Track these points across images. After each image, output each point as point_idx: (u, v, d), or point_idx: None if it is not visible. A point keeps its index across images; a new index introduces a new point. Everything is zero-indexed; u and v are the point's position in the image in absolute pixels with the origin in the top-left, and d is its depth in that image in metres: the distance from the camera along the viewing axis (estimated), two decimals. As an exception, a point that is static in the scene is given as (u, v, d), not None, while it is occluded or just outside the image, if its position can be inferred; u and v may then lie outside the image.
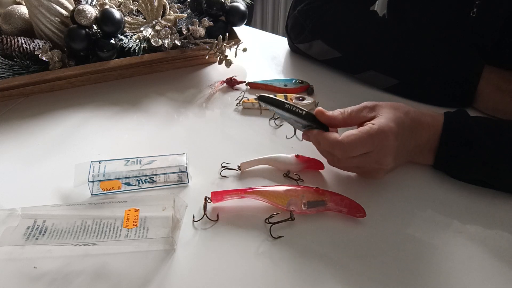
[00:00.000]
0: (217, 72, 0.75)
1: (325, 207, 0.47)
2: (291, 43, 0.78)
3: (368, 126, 0.47)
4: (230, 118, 0.64)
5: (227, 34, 0.72)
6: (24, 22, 0.70)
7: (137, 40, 0.68)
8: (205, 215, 0.47)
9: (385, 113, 0.49)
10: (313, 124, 0.50)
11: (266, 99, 0.49)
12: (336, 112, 0.51)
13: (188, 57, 0.74)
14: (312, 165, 0.53)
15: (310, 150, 0.52)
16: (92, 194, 0.50)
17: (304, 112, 0.49)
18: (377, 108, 0.50)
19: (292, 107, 0.48)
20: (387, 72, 0.67)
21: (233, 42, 0.73)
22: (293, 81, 0.70)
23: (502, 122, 0.52)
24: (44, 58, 0.64)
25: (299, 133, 0.53)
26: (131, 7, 0.73)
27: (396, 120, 0.48)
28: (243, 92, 0.69)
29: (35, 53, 0.64)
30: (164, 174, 0.51)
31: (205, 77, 0.74)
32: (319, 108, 0.50)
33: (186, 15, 0.73)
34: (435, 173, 0.53)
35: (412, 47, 0.66)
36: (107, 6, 0.69)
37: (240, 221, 0.47)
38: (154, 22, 0.71)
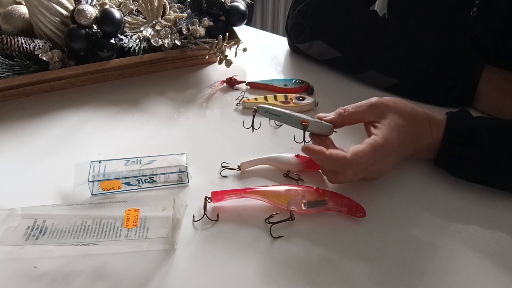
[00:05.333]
0: (217, 72, 0.75)
1: (325, 207, 0.47)
2: (291, 43, 0.78)
3: (372, 139, 0.46)
4: (230, 118, 0.64)
5: (227, 34, 0.72)
6: (24, 22, 0.70)
7: (137, 40, 0.68)
8: (205, 215, 0.47)
9: (389, 121, 0.48)
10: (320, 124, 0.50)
11: (264, 110, 0.50)
12: (335, 114, 0.50)
13: (188, 57, 0.74)
14: (312, 165, 0.53)
15: (310, 150, 0.52)
16: (92, 194, 0.50)
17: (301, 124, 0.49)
18: (381, 112, 0.49)
19: (290, 117, 0.49)
20: (387, 72, 0.67)
21: (233, 42, 0.73)
22: (293, 81, 0.70)
23: (503, 122, 0.53)
24: (44, 58, 0.64)
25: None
26: (131, 7, 0.73)
27: (399, 131, 0.47)
28: (243, 92, 0.69)
29: (35, 53, 0.64)
30: (164, 174, 0.51)
31: (205, 77, 0.74)
32: (320, 114, 0.51)
33: (186, 15, 0.73)
34: (435, 173, 0.53)
35: (412, 47, 0.66)
36: (107, 6, 0.69)
37: (240, 221, 0.47)
38: (154, 22, 0.71)
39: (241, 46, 0.74)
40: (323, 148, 0.47)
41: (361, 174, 0.48)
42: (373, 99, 0.50)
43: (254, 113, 0.50)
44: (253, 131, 0.52)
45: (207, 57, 0.72)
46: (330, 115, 0.50)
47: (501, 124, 0.52)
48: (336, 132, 0.50)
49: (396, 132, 0.47)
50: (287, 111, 0.50)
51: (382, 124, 0.48)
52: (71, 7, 0.69)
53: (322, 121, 0.50)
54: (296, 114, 0.50)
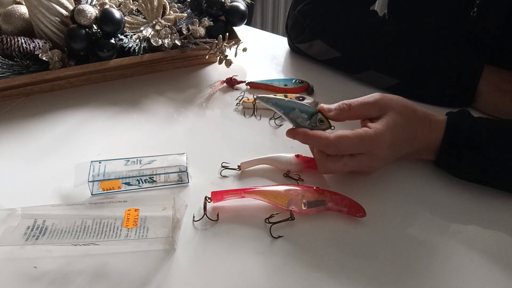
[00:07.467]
0: (217, 72, 0.75)
1: (325, 207, 0.47)
2: (291, 43, 0.78)
3: (363, 130, 0.47)
4: (230, 118, 0.64)
5: (227, 34, 0.72)
6: (24, 22, 0.70)
7: (137, 40, 0.68)
8: (205, 215, 0.47)
9: (388, 118, 0.48)
10: (317, 121, 0.50)
11: (265, 99, 0.50)
12: (339, 110, 0.51)
13: (188, 57, 0.74)
14: (312, 165, 0.53)
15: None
16: (92, 194, 0.50)
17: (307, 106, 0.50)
18: (383, 110, 0.49)
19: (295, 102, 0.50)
20: (387, 72, 0.67)
21: (233, 42, 0.73)
22: (293, 81, 0.70)
23: (504, 122, 0.53)
24: (44, 58, 0.64)
25: None
26: (131, 7, 0.73)
27: (395, 128, 0.47)
28: (243, 92, 0.69)
29: (35, 53, 0.64)
30: (164, 174, 0.51)
31: (205, 77, 0.74)
32: (322, 105, 0.51)
33: (186, 15, 0.73)
34: (435, 173, 0.53)
35: (412, 46, 0.66)
36: (107, 6, 0.69)
37: (240, 221, 0.47)
38: (154, 22, 0.71)
39: (241, 46, 0.74)
40: (305, 129, 0.49)
41: (350, 165, 0.48)
42: (377, 96, 0.50)
43: (254, 102, 0.52)
44: (257, 117, 0.53)
45: (207, 57, 0.72)
46: (334, 109, 0.50)
47: (501, 125, 0.52)
48: (334, 128, 0.50)
49: (392, 129, 0.47)
50: (287, 100, 0.51)
51: (380, 120, 0.48)
52: (71, 7, 0.69)
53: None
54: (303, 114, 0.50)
